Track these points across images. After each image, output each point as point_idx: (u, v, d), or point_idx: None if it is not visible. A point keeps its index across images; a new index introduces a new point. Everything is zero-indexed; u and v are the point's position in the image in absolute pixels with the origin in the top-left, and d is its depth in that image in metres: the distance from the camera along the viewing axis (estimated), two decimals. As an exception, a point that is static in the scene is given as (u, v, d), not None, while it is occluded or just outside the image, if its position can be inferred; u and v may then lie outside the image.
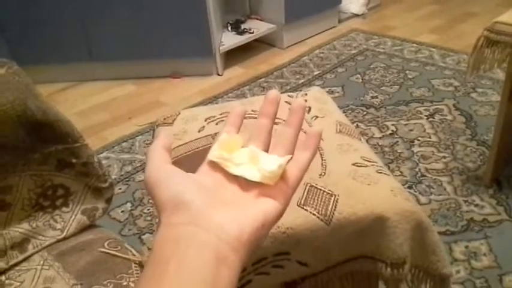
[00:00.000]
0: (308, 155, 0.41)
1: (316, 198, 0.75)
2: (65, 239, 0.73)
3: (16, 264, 0.68)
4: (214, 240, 0.33)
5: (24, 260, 0.69)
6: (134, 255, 0.72)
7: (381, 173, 0.81)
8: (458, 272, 1.24)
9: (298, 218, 0.73)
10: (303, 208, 0.74)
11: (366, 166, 0.82)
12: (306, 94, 1.05)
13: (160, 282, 0.31)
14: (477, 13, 2.90)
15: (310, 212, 0.73)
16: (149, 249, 1.32)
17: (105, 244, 0.72)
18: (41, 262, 0.68)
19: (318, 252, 0.75)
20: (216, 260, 0.32)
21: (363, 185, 0.77)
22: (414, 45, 2.56)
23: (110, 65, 2.40)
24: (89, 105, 2.25)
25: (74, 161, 0.73)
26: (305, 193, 0.76)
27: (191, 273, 0.31)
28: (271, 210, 0.37)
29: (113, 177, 1.71)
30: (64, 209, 0.74)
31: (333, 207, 0.74)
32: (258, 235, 0.35)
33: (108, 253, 0.70)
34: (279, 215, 0.37)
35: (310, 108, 0.99)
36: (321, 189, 0.76)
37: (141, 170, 1.75)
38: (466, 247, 1.32)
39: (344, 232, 0.74)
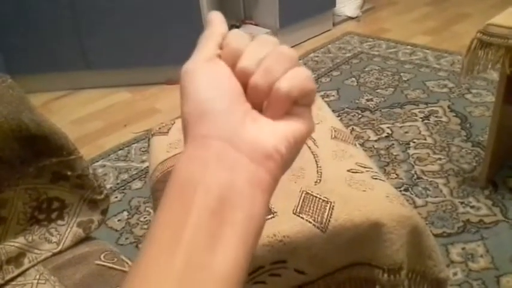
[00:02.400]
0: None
1: (312, 205, 0.75)
2: (60, 252, 0.72)
3: (12, 279, 0.68)
4: (247, 161, 0.29)
5: (20, 274, 0.68)
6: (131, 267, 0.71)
7: (376, 178, 0.82)
8: (455, 274, 1.25)
9: (294, 226, 0.73)
10: (299, 216, 0.74)
11: (361, 172, 0.82)
12: (301, 100, 1.05)
13: (187, 210, 0.28)
14: (470, 14, 2.92)
15: (306, 220, 0.73)
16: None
17: (102, 256, 0.72)
18: (37, 276, 0.68)
19: (315, 259, 0.75)
20: (250, 184, 0.29)
21: (359, 192, 0.78)
22: (408, 47, 2.57)
23: (104, 73, 2.40)
24: (84, 114, 2.24)
25: (68, 173, 0.73)
26: (301, 201, 0.76)
27: None
28: (300, 126, 0.32)
29: (109, 185, 1.70)
30: (59, 221, 0.74)
31: (329, 215, 0.74)
32: (291, 153, 0.32)
33: (104, 266, 0.70)
34: (310, 130, 0.33)
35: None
36: (316, 197, 0.76)
37: (137, 177, 1.75)
38: (463, 249, 1.32)
39: (340, 239, 0.74)
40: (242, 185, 0.29)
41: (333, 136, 0.92)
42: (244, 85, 0.32)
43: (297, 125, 0.32)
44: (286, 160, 0.32)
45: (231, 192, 0.28)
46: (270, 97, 0.32)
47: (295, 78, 0.32)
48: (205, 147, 0.30)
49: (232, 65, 0.33)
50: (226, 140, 0.30)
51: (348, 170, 0.82)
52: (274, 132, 0.31)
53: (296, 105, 0.33)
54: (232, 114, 0.31)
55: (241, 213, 0.29)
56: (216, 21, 0.36)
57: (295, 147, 0.33)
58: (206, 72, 0.32)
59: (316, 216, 0.74)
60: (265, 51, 0.32)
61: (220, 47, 0.34)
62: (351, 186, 0.79)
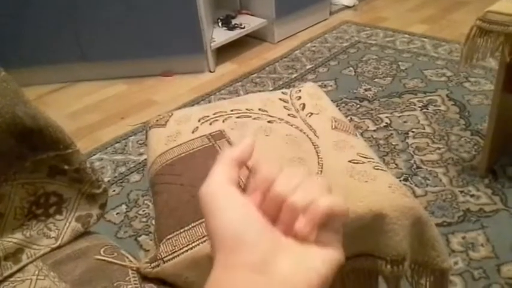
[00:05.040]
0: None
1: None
2: (59, 247, 0.71)
3: (10, 276, 0.67)
4: None
5: (19, 270, 0.67)
6: (131, 261, 0.70)
7: (377, 169, 0.81)
8: (456, 263, 1.25)
9: (296, 218, 0.72)
10: (300, 208, 0.73)
11: (363, 163, 0.81)
12: (300, 90, 1.04)
13: None
14: (468, 2, 2.90)
15: (308, 212, 0.72)
16: (146, 250, 1.30)
17: (101, 251, 0.71)
18: (36, 272, 0.67)
19: (317, 251, 0.74)
20: None
21: (361, 183, 0.77)
22: (406, 36, 2.56)
23: (100, 65, 2.37)
24: (81, 106, 2.22)
25: (66, 167, 0.72)
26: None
27: None
28: (331, 256, 0.34)
29: (107, 179, 1.69)
30: (58, 216, 0.73)
31: (331, 206, 0.73)
32: (323, 284, 0.32)
33: (104, 260, 0.69)
34: (340, 260, 0.35)
35: (304, 105, 0.98)
36: (318, 188, 0.75)
37: (135, 170, 1.73)
38: (463, 238, 1.32)
39: (343, 231, 0.73)
40: None
41: (334, 127, 0.91)
42: (274, 211, 0.33)
43: (328, 254, 0.33)
44: None
45: None
46: (306, 215, 0.32)
47: (332, 198, 0.34)
48: (237, 277, 0.30)
49: (264, 191, 0.34)
50: (259, 272, 0.30)
51: (349, 161, 0.81)
52: (305, 266, 0.32)
53: (325, 229, 0.34)
54: (262, 243, 0.31)
55: None
56: (241, 147, 0.37)
57: (326, 280, 0.33)
58: (230, 199, 0.33)
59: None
60: (296, 179, 0.34)
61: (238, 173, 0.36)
62: (352, 177, 0.78)
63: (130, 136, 1.95)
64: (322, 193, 0.33)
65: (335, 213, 0.33)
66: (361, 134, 1.79)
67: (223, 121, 0.93)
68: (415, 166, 1.61)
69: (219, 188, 0.34)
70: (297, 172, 0.35)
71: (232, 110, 0.96)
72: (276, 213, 0.33)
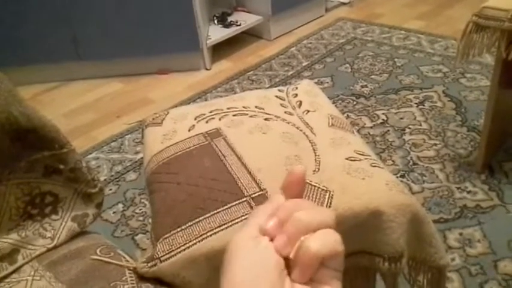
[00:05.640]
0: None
1: (310, 195, 0.74)
2: (55, 247, 0.71)
3: (6, 277, 0.66)
4: None
5: (14, 271, 0.67)
6: (128, 261, 0.70)
7: (374, 166, 0.80)
8: (453, 259, 1.25)
9: (293, 216, 0.72)
10: (297, 206, 0.73)
11: (360, 160, 0.81)
12: (297, 88, 1.04)
13: None
14: (463, -2, 2.89)
15: (305, 210, 0.72)
16: (143, 249, 1.30)
17: (97, 251, 0.71)
18: (32, 273, 0.67)
19: (315, 249, 0.74)
20: None
21: (358, 180, 0.77)
22: (402, 32, 2.56)
23: (95, 64, 2.36)
24: (76, 105, 2.21)
25: (61, 167, 0.71)
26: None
27: None
28: None
29: (103, 177, 1.68)
30: (53, 216, 0.72)
31: (328, 204, 0.73)
32: None
33: (100, 260, 0.68)
34: None
35: (301, 102, 0.97)
36: (315, 186, 0.75)
37: (131, 169, 1.73)
38: (460, 234, 1.32)
39: (340, 228, 0.72)
40: None
41: (330, 124, 0.91)
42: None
43: None
44: None
45: None
46: (299, 262, 0.33)
47: (323, 239, 0.33)
48: None
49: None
50: None
51: (347, 158, 0.81)
52: None
53: (324, 268, 0.33)
54: None
55: None
56: (274, 204, 0.37)
57: None
58: (252, 252, 0.34)
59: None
60: (306, 204, 0.36)
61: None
62: (349, 175, 0.78)
63: (127, 135, 1.94)
64: (319, 225, 0.33)
65: (328, 254, 0.33)
66: (358, 131, 1.79)
67: (220, 119, 0.93)
68: (411, 163, 1.61)
69: (247, 242, 0.34)
70: (308, 203, 0.36)
71: (228, 108, 0.96)
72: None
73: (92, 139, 1.93)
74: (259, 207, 0.37)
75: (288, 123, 0.90)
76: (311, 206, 0.36)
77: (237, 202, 0.74)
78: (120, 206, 1.56)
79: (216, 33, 2.43)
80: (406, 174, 1.56)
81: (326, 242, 0.33)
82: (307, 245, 0.32)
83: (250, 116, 0.93)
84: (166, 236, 0.72)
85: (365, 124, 1.83)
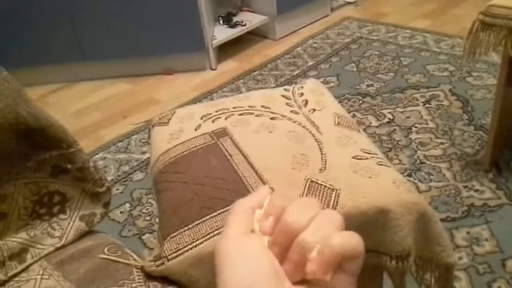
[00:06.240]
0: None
1: (317, 194, 0.74)
2: (63, 246, 0.71)
3: (15, 275, 0.67)
4: None
5: (23, 270, 0.67)
6: (135, 260, 0.70)
7: (381, 164, 0.80)
8: (460, 258, 1.24)
9: (300, 214, 0.72)
10: (304, 204, 0.73)
11: (366, 158, 0.81)
12: (302, 87, 1.04)
13: None
14: (469, -4, 2.88)
15: (312, 208, 0.72)
16: (150, 249, 1.30)
17: (105, 250, 0.71)
18: (41, 272, 0.67)
19: (322, 248, 0.74)
20: None
21: (364, 178, 0.76)
22: (408, 31, 2.55)
23: (101, 64, 2.37)
24: (83, 106, 2.23)
25: (69, 166, 0.72)
26: (306, 189, 0.75)
27: None
28: None
29: (110, 177, 1.69)
30: (61, 216, 0.73)
31: (335, 202, 0.73)
32: None
33: (108, 259, 0.69)
34: None
35: (307, 101, 0.97)
36: (321, 185, 0.75)
37: (138, 169, 1.74)
38: (468, 233, 1.31)
39: (347, 227, 0.73)
40: None
41: (337, 122, 0.91)
42: (284, 244, 0.32)
43: None
44: None
45: None
46: (319, 255, 0.31)
47: (348, 237, 0.31)
48: None
49: (288, 241, 0.32)
50: None
51: (353, 157, 0.81)
52: None
53: (340, 271, 0.32)
54: None
55: None
56: (258, 196, 0.35)
57: None
58: (242, 253, 0.32)
59: (321, 205, 0.72)
60: (310, 212, 0.32)
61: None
62: (356, 173, 0.77)
63: (133, 135, 1.95)
64: (335, 231, 0.31)
65: (350, 254, 0.31)
66: (364, 130, 1.78)
67: (226, 118, 0.93)
68: (418, 161, 1.60)
69: (232, 242, 0.33)
70: (310, 203, 0.34)
71: (234, 107, 0.96)
72: (286, 246, 0.32)
73: (99, 139, 1.95)
74: (239, 202, 0.35)
75: (294, 122, 0.90)
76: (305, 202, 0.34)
77: (243, 201, 0.74)
78: (127, 205, 1.57)
79: (222, 34, 2.43)
80: (413, 173, 1.55)
81: (352, 239, 0.31)
82: (331, 243, 0.30)
83: (256, 115, 0.93)
84: (173, 235, 0.72)
85: (371, 123, 1.83)
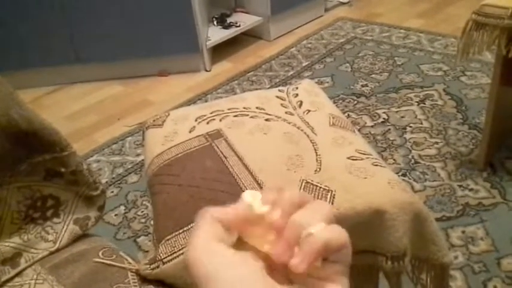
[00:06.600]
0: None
1: (312, 194, 0.74)
2: (57, 250, 0.71)
3: (8, 280, 0.66)
4: None
5: (17, 275, 0.67)
6: (130, 263, 0.70)
7: (376, 165, 0.80)
8: (456, 257, 1.24)
9: (295, 216, 0.71)
10: (299, 206, 0.72)
11: (362, 159, 0.81)
12: (297, 88, 1.03)
13: None
14: (462, -4, 2.89)
15: (308, 209, 0.72)
16: (145, 252, 1.30)
17: (100, 253, 0.71)
18: (34, 276, 0.67)
19: (317, 249, 0.73)
20: None
21: (360, 179, 0.76)
22: (402, 31, 2.55)
23: (95, 66, 2.36)
24: (77, 108, 2.21)
25: (62, 170, 0.71)
26: (301, 190, 0.75)
27: None
28: None
29: (105, 180, 1.68)
30: (55, 219, 0.72)
31: (330, 203, 0.73)
32: None
33: (103, 263, 0.68)
34: None
35: (301, 102, 0.97)
36: (317, 186, 0.75)
37: (132, 171, 1.73)
38: (463, 232, 1.32)
39: (343, 227, 0.73)
40: None
41: (332, 123, 0.90)
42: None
43: None
44: None
45: None
46: (302, 248, 0.30)
47: (329, 229, 0.31)
48: None
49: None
50: None
51: (348, 158, 0.81)
52: None
53: (330, 263, 0.31)
54: None
55: None
56: (224, 209, 0.35)
57: None
58: (215, 261, 0.31)
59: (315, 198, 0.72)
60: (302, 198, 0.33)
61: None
62: (351, 174, 0.77)
63: (127, 137, 1.94)
64: (319, 221, 0.31)
65: (333, 245, 0.31)
66: (359, 130, 1.78)
67: (221, 120, 0.93)
68: (413, 161, 1.61)
69: (202, 251, 0.32)
70: (305, 195, 0.34)
71: (229, 109, 0.96)
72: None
73: (93, 142, 1.94)
74: (205, 213, 0.35)
75: (289, 123, 0.90)
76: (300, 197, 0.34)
77: (238, 203, 0.73)
78: (122, 208, 1.56)
79: (216, 35, 2.43)
80: (407, 173, 1.55)
81: (335, 232, 0.31)
82: (311, 233, 0.30)
83: (251, 117, 0.93)
84: (168, 237, 0.72)
85: (366, 123, 1.83)
